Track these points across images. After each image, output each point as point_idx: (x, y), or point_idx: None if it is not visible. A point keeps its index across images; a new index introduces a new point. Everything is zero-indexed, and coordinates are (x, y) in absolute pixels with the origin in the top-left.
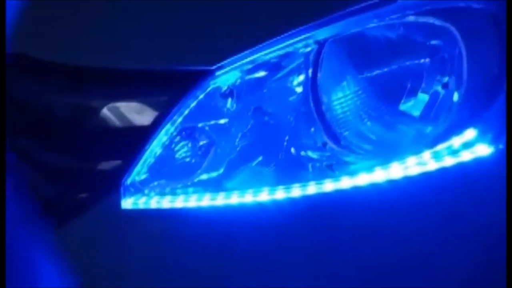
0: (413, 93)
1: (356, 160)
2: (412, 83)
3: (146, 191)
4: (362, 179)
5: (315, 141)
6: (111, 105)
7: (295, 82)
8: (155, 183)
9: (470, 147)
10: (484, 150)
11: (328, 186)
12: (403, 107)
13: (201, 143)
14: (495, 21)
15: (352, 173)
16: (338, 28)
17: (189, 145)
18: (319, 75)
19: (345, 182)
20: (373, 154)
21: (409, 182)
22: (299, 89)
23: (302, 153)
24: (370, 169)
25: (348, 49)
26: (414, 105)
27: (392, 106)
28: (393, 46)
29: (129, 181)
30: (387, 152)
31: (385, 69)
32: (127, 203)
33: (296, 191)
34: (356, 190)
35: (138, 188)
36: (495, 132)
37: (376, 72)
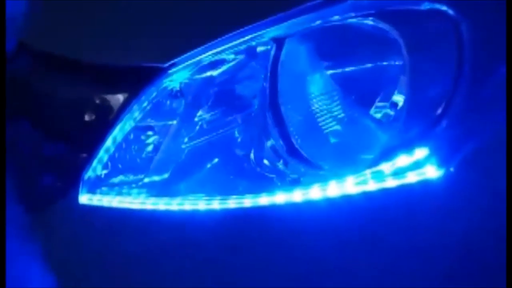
0: (388, 93)
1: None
2: (387, 83)
3: (104, 188)
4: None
5: (275, 152)
6: (71, 98)
7: (252, 83)
8: (110, 180)
9: (418, 168)
10: (432, 172)
11: (264, 199)
12: (375, 110)
13: (150, 143)
14: (454, 28)
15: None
16: (294, 26)
17: (140, 145)
18: (279, 75)
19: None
20: (338, 163)
21: (347, 201)
22: (256, 91)
23: (265, 161)
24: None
25: (317, 46)
26: (388, 108)
27: (367, 106)
28: (368, 43)
29: (86, 176)
30: (354, 160)
31: (360, 67)
32: (83, 199)
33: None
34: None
35: (95, 185)
36: (446, 152)
37: (349, 69)
